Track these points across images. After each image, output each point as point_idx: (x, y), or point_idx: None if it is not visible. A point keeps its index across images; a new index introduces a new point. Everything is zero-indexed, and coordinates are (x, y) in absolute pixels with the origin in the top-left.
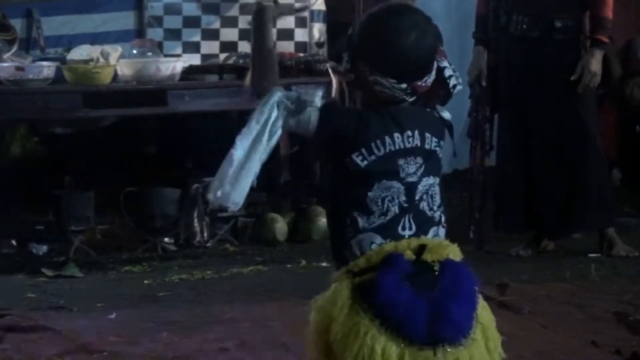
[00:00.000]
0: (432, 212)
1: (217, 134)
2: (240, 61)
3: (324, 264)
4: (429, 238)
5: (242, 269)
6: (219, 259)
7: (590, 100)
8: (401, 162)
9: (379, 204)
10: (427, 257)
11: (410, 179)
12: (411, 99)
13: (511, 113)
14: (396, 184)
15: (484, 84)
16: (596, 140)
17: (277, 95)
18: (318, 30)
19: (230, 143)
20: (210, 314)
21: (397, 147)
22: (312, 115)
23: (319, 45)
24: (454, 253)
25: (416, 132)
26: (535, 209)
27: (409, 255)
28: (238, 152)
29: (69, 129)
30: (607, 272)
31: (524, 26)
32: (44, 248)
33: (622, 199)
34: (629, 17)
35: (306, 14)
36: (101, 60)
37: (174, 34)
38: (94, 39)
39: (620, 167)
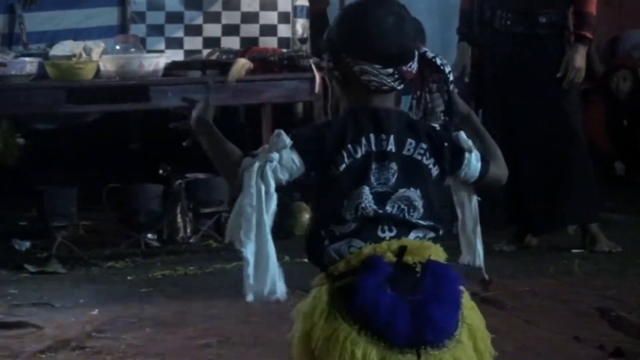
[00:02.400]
0: (413, 220)
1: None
2: (224, 57)
3: (307, 260)
4: (410, 239)
5: (225, 265)
6: (202, 255)
7: (574, 95)
8: (373, 166)
9: (352, 212)
10: (409, 258)
11: (381, 188)
12: (400, 87)
13: (496, 109)
14: (367, 191)
15: (467, 79)
16: (580, 136)
17: (253, 167)
18: (301, 26)
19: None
20: (193, 310)
21: (372, 149)
22: (291, 156)
23: (302, 41)
24: (437, 254)
25: (391, 137)
26: (519, 204)
27: (390, 257)
28: (248, 247)
29: (51, 124)
30: (591, 268)
31: (508, 21)
32: (27, 244)
33: (609, 195)
34: (613, 12)
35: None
36: (84, 56)
37: (156, 30)
38: (77, 34)
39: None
